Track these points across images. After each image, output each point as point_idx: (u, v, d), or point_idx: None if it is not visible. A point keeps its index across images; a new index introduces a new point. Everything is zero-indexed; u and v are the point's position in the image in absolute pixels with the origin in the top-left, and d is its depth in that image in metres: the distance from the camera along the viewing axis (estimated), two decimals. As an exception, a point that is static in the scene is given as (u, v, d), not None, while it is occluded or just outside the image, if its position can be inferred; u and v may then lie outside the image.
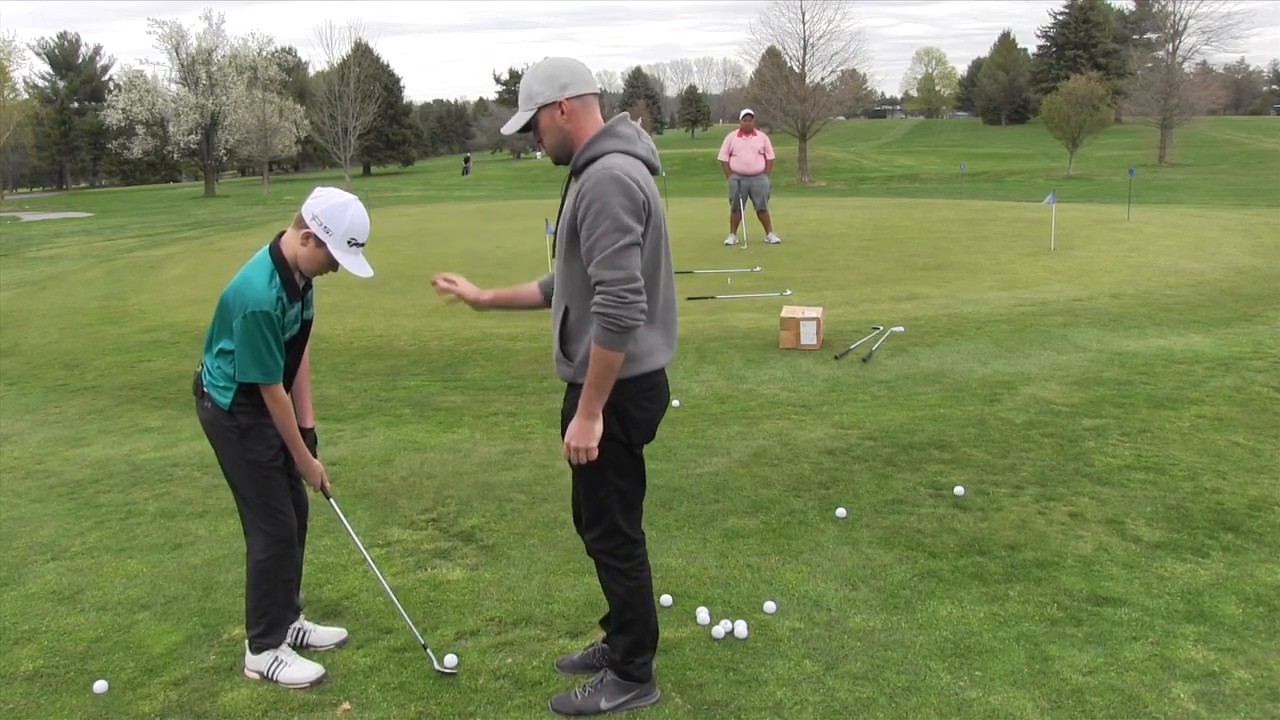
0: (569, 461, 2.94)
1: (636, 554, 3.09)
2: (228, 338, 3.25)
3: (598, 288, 2.71)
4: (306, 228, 3.21)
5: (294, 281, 3.27)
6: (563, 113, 2.85)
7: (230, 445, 3.34)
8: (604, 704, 3.12)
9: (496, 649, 3.55)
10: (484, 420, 6.61)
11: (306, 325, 3.44)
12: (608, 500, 3.01)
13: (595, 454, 2.87)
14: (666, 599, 3.85)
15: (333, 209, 3.20)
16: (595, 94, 2.91)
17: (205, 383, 3.35)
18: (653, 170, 2.92)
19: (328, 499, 3.61)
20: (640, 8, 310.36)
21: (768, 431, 5.94)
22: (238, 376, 3.25)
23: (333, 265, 3.27)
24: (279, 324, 3.22)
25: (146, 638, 3.74)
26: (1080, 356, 7.74)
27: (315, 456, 3.53)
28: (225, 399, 3.30)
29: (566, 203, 2.87)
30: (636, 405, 2.92)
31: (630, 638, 3.12)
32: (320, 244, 3.21)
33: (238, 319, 3.17)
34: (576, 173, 2.86)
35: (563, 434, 2.95)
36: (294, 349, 3.41)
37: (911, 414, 6.33)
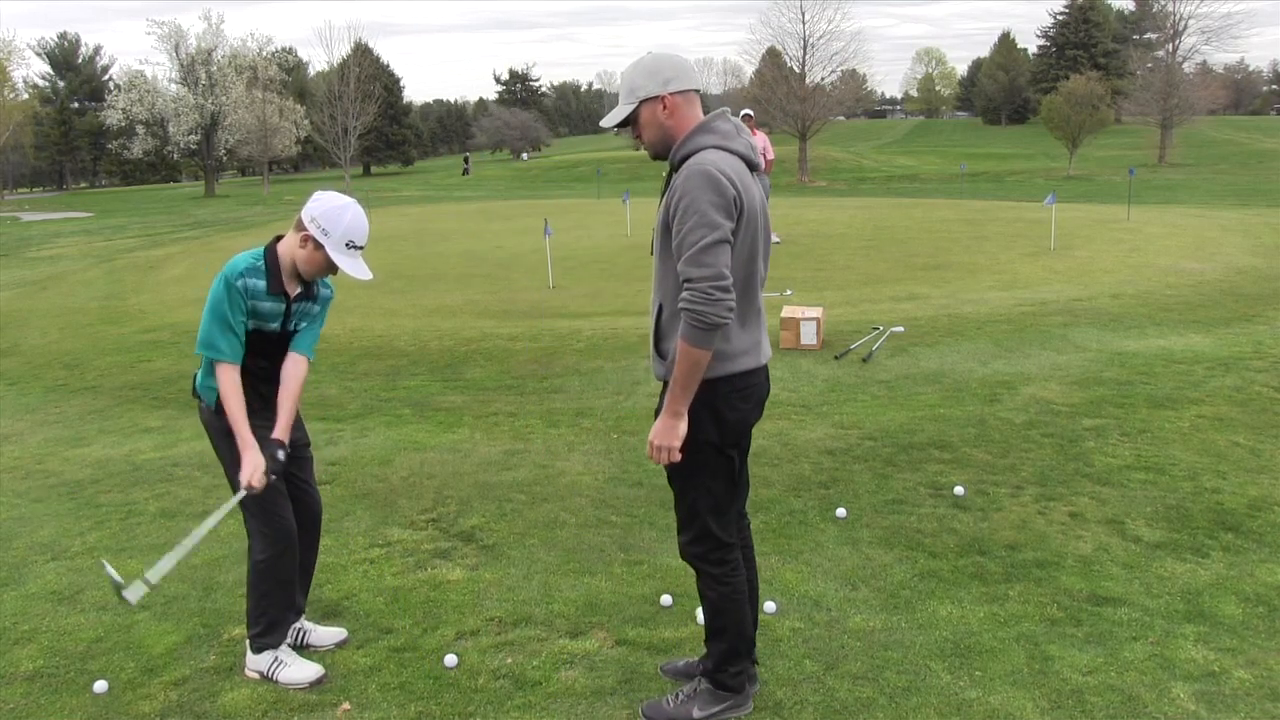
0: (669, 468, 2.91)
1: (730, 558, 3.00)
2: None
3: (685, 285, 2.67)
4: (305, 230, 3.22)
5: (279, 276, 3.29)
6: (665, 107, 2.81)
7: (223, 445, 3.35)
8: (696, 713, 3.05)
9: (496, 649, 3.55)
10: (484, 420, 6.61)
11: (288, 335, 3.40)
12: (699, 504, 2.95)
13: (678, 455, 2.81)
14: (667, 599, 3.85)
15: (331, 211, 3.21)
16: (697, 90, 2.87)
17: (197, 384, 3.39)
18: (752, 167, 2.85)
19: (234, 492, 3.35)
20: (640, 8, 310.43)
21: (768, 431, 5.94)
22: (197, 347, 3.27)
23: (331, 268, 3.28)
24: (242, 298, 3.22)
25: (146, 638, 3.74)
26: (1080, 356, 7.74)
27: (277, 461, 3.32)
28: (211, 398, 3.33)
29: (663, 199, 2.83)
30: (729, 405, 2.86)
31: (724, 645, 3.04)
32: (318, 246, 3.23)
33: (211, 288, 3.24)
34: (675, 168, 2.82)
35: None
36: (270, 350, 3.38)
37: (911, 414, 6.33)
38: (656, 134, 2.86)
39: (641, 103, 2.84)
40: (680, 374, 2.73)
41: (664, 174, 2.94)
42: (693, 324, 2.65)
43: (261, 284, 3.25)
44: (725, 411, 2.86)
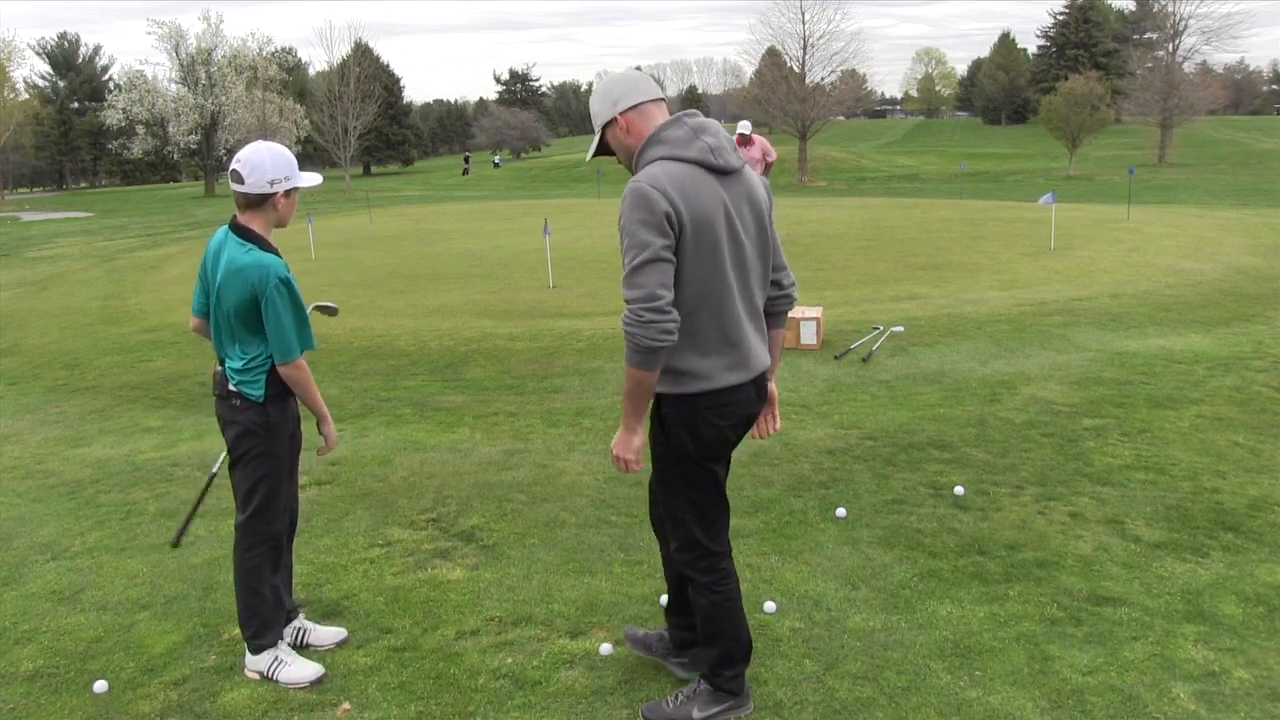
0: (655, 479, 2.99)
1: (719, 566, 3.00)
2: (248, 326, 3.24)
3: (626, 306, 2.64)
4: (273, 193, 3.24)
5: (276, 250, 3.33)
6: (621, 128, 2.80)
7: (258, 441, 3.32)
8: (696, 713, 3.04)
9: (496, 649, 3.55)
10: (484, 420, 6.60)
11: None
12: (681, 512, 2.96)
13: (637, 465, 2.85)
14: (666, 599, 3.85)
15: (278, 161, 3.24)
16: (654, 100, 2.81)
17: (234, 381, 3.30)
18: (718, 170, 2.74)
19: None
20: (640, 8, 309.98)
21: (768, 431, 5.94)
22: (281, 357, 3.22)
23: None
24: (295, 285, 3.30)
25: (146, 638, 3.74)
26: (1080, 356, 7.74)
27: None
28: (259, 391, 3.30)
29: None
30: (705, 422, 2.83)
31: (717, 650, 3.04)
32: (289, 192, 3.28)
33: (264, 297, 3.17)
34: None
35: (652, 444, 2.95)
36: None
37: (911, 414, 6.33)
38: (624, 154, 2.86)
39: (604, 129, 2.84)
40: (627, 390, 2.74)
41: None
42: (630, 346, 2.64)
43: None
44: (701, 428, 2.84)
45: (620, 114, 2.79)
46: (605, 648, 3.54)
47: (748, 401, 2.89)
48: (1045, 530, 4.43)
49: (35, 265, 18.86)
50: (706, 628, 3.05)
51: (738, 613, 3.05)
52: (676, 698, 3.11)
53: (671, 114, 2.86)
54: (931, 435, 5.86)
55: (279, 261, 3.24)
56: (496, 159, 71.51)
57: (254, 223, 3.27)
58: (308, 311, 3.40)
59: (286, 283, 3.21)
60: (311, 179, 3.39)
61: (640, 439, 2.83)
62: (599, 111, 2.83)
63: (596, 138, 2.89)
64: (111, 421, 7.11)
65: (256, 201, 3.24)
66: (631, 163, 2.83)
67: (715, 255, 2.72)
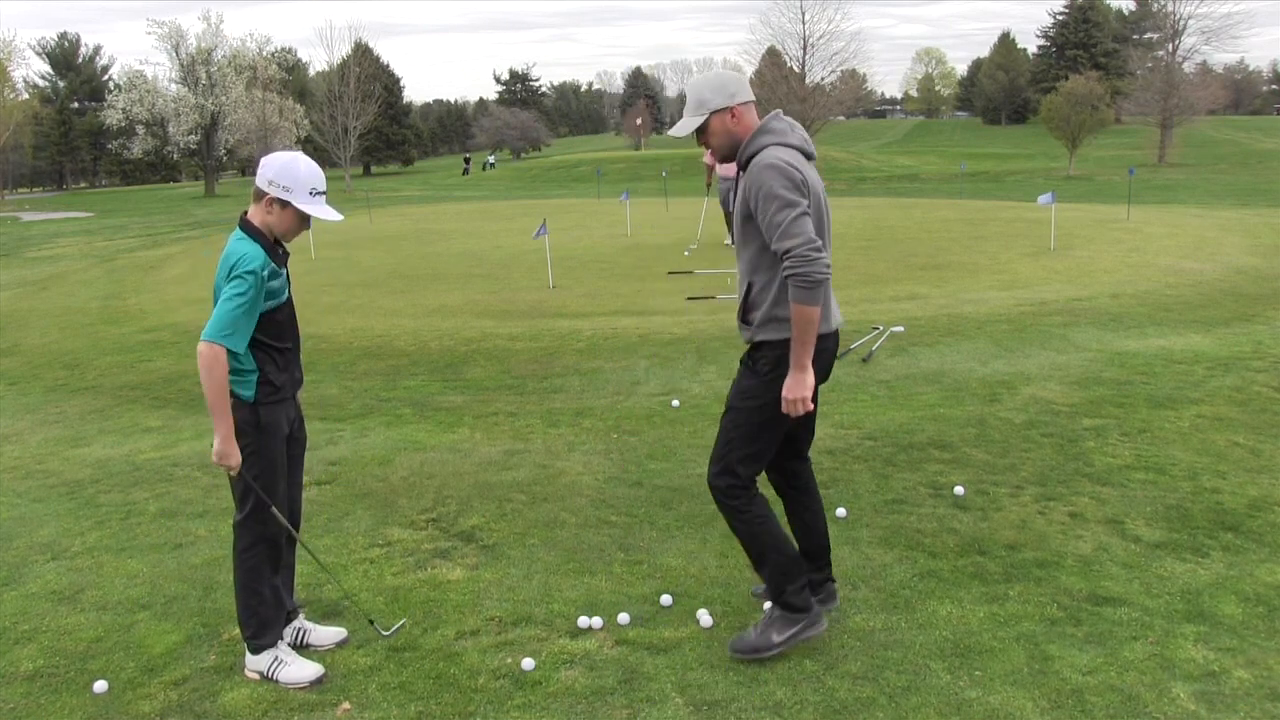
0: (730, 408, 3.36)
1: (745, 493, 3.35)
2: None
3: (784, 257, 3.07)
4: (266, 194, 3.26)
5: (274, 249, 3.32)
6: (733, 117, 3.27)
7: (249, 441, 3.31)
8: (775, 638, 3.35)
9: (496, 649, 3.55)
10: (484, 420, 6.60)
11: (290, 301, 3.45)
12: (735, 448, 3.33)
13: (810, 404, 3.19)
14: (666, 599, 3.85)
15: (285, 168, 3.25)
16: (753, 101, 3.34)
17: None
18: (810, 156, 3.28)
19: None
20: (640, 8, 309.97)
21: (768, 431, 5.93)
22: (207, 332, 3.15)
23: (304, 223, 3.33)
24: (263, 285, 3.23)
25: (146, 638, 3.74)
26: (1080, 356, 7.74)
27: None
28: (249, 392, 3.29)
29: (739, 194, 3.27)
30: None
31: (770, 567, 3.37)
32: (285, 205, 3.27)
33: (230, 276, 3.18)
34: (743, 167, 3.27)
35: (740, 383, 3.36)
36: (292, 326, 3.43)
37: (911, 414, 6.33)
38: (724, 139, 3.30)
39: (713, 113, 3.27)
40: (798, 332, 3.11)
41: (706, 174, 3.28)
42: (799, 285, 3.05)
43: (272, 262, 3.29)
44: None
45: (736, 105, 3.26)
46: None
47: (830, 351, 3.37)
48: (1045, 530, 4.44)
49: (35, 265, 18.86)
50: (752, 549, 3.39)
51: (775, 529, 3.37)
52: (758, 627, 3.41)
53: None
54: (931, 435, 5.86)
55: (262, 256, 3.24)
56: (491, 159, 70.93)
57: (255, 216, 3.32)
58: None
59: (254, 274, 3.19)
60: (321, 212, 3.32)
61: (811, 378, 3.17)
62: (711, 99, 3.26)
63: (701, 120, 3.27)
64: (111, 421, 7.11)
65: (256, 194, 3.30)
66: (738, 150, 3.28)
67: (822, 223, 3.24)
